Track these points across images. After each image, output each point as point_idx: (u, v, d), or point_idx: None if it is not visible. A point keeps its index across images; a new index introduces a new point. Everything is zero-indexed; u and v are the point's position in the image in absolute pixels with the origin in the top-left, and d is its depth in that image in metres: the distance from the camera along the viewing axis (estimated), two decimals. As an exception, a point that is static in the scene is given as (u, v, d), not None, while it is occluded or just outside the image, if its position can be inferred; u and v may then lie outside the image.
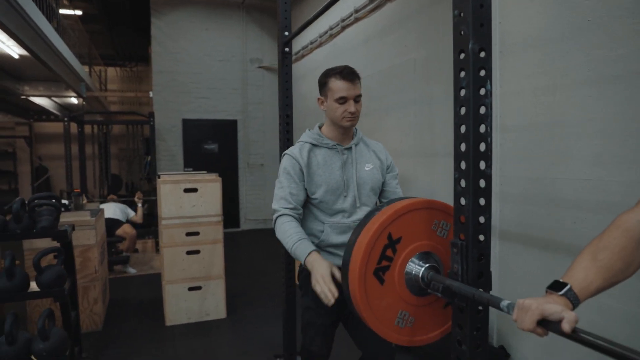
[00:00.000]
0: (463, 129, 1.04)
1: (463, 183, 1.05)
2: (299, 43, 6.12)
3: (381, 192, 1.80)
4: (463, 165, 1.04)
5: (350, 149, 1.69)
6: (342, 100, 1.59)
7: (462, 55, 1.04)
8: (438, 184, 3.19)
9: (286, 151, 1.71)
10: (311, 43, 5.71)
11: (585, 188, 1.92)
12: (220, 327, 3.32)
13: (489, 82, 1.03)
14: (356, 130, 1.75)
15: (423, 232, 1.15)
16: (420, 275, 1.12)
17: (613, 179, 1.80)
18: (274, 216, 1.64)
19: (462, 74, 1.04)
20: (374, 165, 1.72)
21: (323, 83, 1.66)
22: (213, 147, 7.26)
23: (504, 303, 0.89)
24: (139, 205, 5.17)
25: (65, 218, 3.02)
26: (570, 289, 0.86)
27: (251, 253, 5.96)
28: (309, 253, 1.45)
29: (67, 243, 2.43)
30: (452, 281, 1.05)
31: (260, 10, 7.43)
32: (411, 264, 1.14)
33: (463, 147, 1.04)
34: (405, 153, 3.59)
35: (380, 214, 1.12)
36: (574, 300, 0.85)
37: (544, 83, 2.12)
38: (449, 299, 1.05)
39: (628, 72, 1.74)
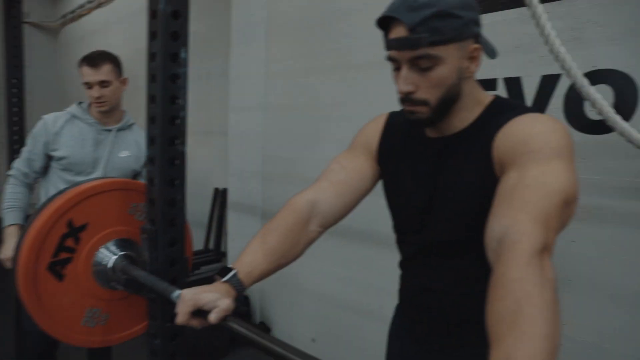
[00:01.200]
0: (157, 100, 0.93)
1: (154, 161, 0.94)
2: (75, 1, 5.29)
3: None
4: (154, 141, 0.93)
5: (109, 131, 1.70)
6: (88, 85, 1.64)
7: (154, 18, 0.92)
8: (215, 163, 3.11)
9: (44, 115, 1.70)
10: (89, 2, 4.98)
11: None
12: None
13: (184, 49, 0.93)
14: (125, 115, 1.78)
15: (117, 217, 1.01)
16: (110, 265, 0.99)
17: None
18: (8, 172, 1.70)
19: (155, 39, 0.92)
20: (131, 154, 1.74)
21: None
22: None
23: (175, 294, 0.81)
24: None
25: None
26: (234, 275, 0.83)
27: None
28: (13, 224, 1.59)
29: None
30: (139, 271, 0.94)
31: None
32: (102, 253, 0.99)
33: (155, 121, 0.93)
34: (185, 131, 3.41)
35: (59, 198, 0.94)
36: (238, 287, 0.83)
37: (303, 65, 2.18)
38: (133, 292, 0.94)
39: (368, 62, 1.89)
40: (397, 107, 1.96)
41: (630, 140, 1.15)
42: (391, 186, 0.96)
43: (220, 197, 3.14)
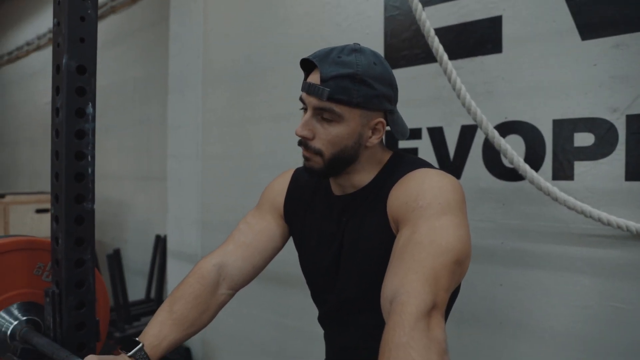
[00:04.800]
0: (59, 156, 0.90)
1: (59, 220, 0.90)
2: (12, 42, 5.15)
3: None
4: (58, 199, 0.89)
5: None
6: None
7: (59, 72, 0.90)
8: (156, 209, 3.02)
9: None
10: (28, 44, 4.86)
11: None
12: None
13: (90, 105, 0.92)
14: None
15: (21, 279, 0.95)
16: (9, 332, 0.91)
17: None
18: None
19: (59, 92, 0.90)
20: None
21: None
22: None
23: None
24: None
25: None
26: (140, 349, 0.79)
27: None
28: None
29: None
30: (40, 338, 0.87)
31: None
32: (2, 318, 0.92)
33: (59, 178, 0.90)
34: (125, 176, 3.32)
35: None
36: None
37: (238, 115, 2.19)
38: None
39: (293, 113, 1.92)
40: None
41: (539, 188, 1.21)
42: (300, 245, 0.96)
43: (161, 245, 3.04)
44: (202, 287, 0.88)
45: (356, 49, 0.82)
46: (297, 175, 1.00)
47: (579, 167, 1.28)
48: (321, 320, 0.96)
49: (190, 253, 2.40)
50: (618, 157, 1.22)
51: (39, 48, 4.71)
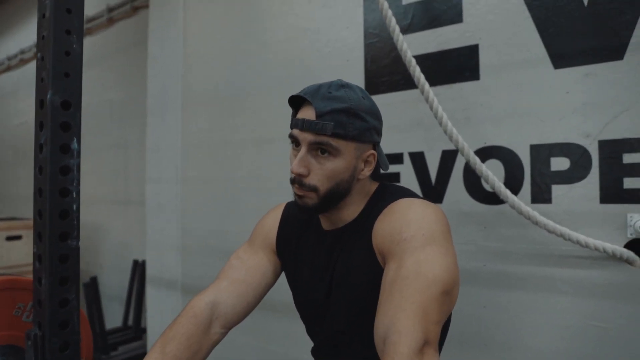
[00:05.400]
0: (42, 193, 0.87)
1: (42, 259, 0.87)
2: (-18, 63, 5.01)
3: None
4: (41, 237, 0.87)
5: None
6: None
7: (43, 107, 0.89)
8: (132, 234, 2.96)
9: None
10: (-2, 65, 4.75)
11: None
12: None
13: (75, 140, 0.90)
14: None
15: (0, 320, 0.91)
16: (-14, 380, 0.88)
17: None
18: None
19: (43, 128, 0.88)
20: None
21: None
22: None
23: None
24: None
25: None
26: None
27: None
28: None
29: None
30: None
31: None
32: (-22, 365, 0.88)
33: (42, 215, 0.87)
34: (101, 200, 3.25)
35: None
36: None
37: (218, 138, 2.18)
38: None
39: (275, 137, 1.93)
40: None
41: (520, 212, 1.25)
42: (291, 279, 0.96)
43: (139, 270, 2.97)
44: (195, 327, 0.86)
45: (343, 85, 0.84)
46: (289, 210, 1.00)
47: (556, 190, 1.32)
48: (314, 352, 0.96)
49: (170, 278, 2.35)
50: (592, 181, 1.27)
51: (9, 69, 4.60)
